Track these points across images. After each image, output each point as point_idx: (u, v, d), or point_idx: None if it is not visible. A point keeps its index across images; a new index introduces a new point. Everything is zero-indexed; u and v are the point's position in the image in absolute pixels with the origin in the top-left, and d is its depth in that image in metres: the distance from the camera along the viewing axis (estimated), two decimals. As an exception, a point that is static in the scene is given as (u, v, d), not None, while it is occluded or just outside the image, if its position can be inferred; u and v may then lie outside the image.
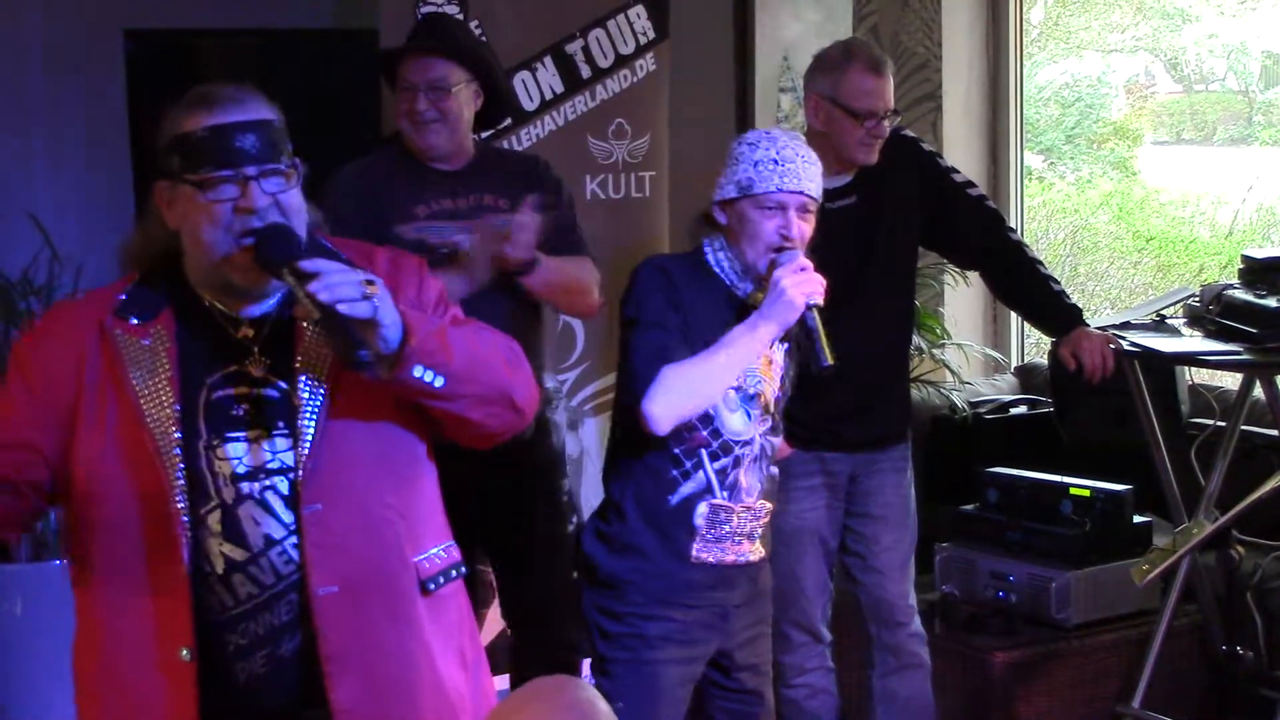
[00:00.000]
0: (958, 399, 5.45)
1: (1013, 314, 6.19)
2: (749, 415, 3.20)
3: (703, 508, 3.18)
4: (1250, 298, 4.10)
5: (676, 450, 3.17)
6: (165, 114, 2.28)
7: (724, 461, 3.19)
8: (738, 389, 3.17)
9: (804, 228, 3.20)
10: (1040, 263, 4.20)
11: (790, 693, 4.04)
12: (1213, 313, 4.17)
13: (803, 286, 3.10)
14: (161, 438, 2.27)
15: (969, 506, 4.75)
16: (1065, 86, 8.60)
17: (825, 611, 4.11)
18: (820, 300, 3.13)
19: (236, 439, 2.32)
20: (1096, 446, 4.93)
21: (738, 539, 3.23)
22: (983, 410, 5.46)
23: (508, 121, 4.44)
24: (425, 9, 4.27)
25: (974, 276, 5.91)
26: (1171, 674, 4.42)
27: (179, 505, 2.27)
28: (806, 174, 3.19)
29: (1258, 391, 4.37)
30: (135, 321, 2.32)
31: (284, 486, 2.32)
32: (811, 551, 4.02)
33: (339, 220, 3.61)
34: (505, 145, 4.41)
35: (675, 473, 3.18)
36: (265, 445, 2.31)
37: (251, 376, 2.34)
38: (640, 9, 4.65)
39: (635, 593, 3.20)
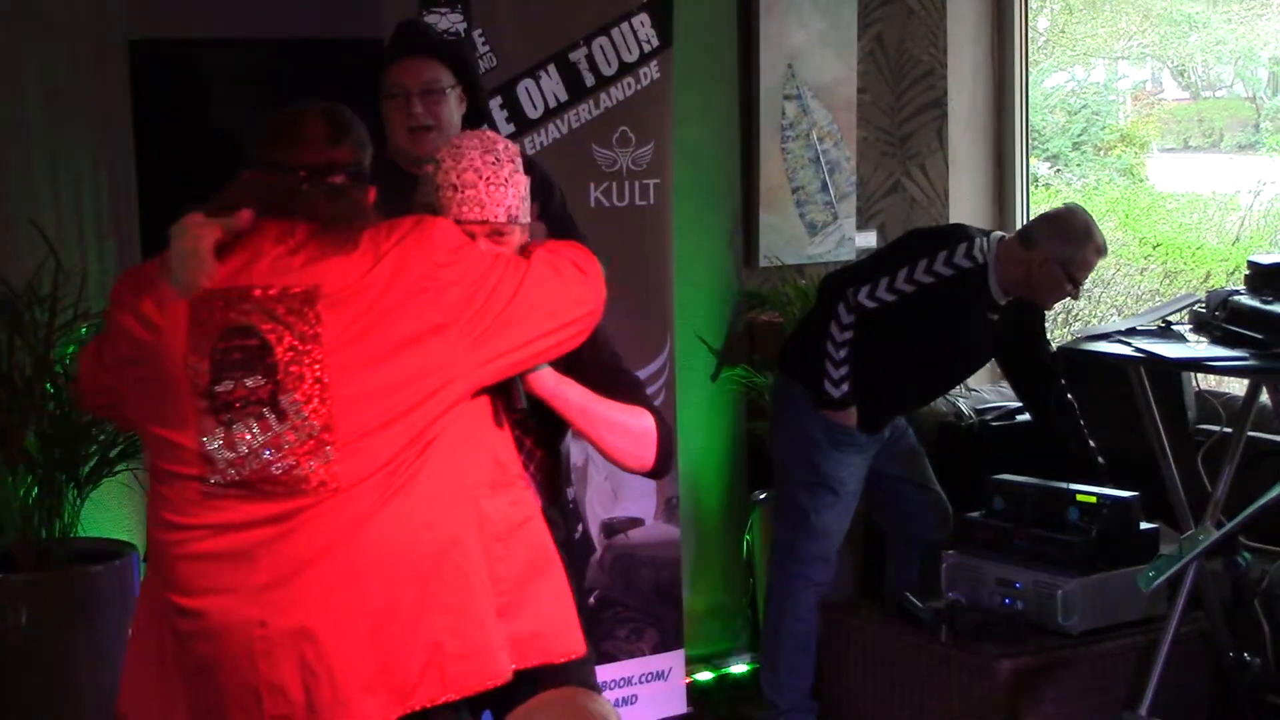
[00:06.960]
0: (964, 406, 5.45)
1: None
2: None
3: None
4: (1256, 304, 4.10)
5: None
6: None
7: None
8: None
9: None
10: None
11: None
12: (1219, 319, 4.17)
13: None
14: None
15: (975, 513, 4.74)
16: (1072, 93, 8.60)
17: None
18: None
19: None
20: (1103, 453, 4.93)
21: None
22: (989, 417, 5.46)
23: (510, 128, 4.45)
24: (427, 17, 4.26)
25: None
26: (1178, 681, 4.41)
27: None
28: (492, 196, 2.82)
29: (1264, 397, 4.36)
30: None
31: None
32: None
33: None
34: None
35: None
36: None
37: None
38: (644, 17, 4.64)
39: None
